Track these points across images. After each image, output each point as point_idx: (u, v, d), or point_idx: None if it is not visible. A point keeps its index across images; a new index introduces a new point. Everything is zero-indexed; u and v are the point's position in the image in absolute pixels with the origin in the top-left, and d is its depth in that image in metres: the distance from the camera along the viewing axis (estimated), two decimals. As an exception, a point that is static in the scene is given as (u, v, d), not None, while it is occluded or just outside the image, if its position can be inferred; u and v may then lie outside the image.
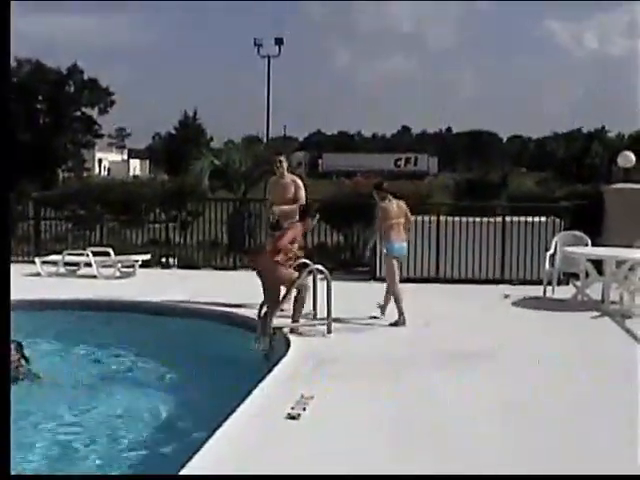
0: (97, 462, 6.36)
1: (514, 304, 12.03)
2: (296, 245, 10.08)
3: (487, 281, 13.98)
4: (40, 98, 63.30)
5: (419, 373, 7.87)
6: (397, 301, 10.42)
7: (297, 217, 10.47)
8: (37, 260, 15.01)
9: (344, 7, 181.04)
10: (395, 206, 10.73)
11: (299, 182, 11.53)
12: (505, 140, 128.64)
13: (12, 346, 8.28)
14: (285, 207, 11.21)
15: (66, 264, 14.87)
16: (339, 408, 6.70)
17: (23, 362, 8.67)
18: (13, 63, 62.03)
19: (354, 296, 12.07)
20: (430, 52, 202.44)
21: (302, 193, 11.40)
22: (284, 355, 8.41)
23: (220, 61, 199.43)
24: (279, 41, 50.35)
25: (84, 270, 14.80)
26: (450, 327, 10.28)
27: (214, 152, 24.37)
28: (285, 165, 11.54)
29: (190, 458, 5.27)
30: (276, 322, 9.30)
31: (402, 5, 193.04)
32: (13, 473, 4.86)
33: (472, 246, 14.19)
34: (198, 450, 5.43)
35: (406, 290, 10.79)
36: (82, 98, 64.44)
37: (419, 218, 13.40)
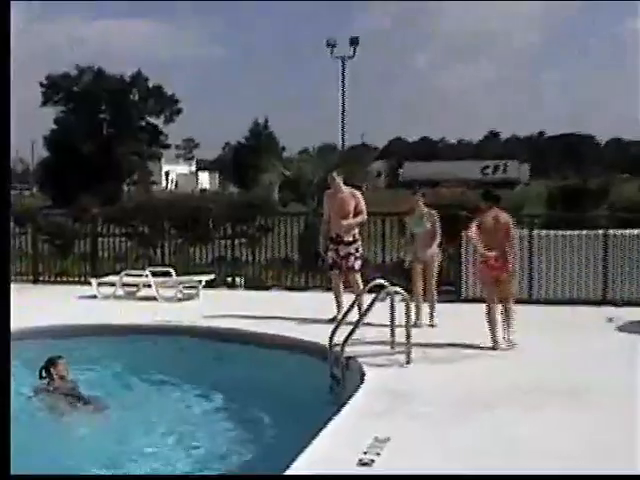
0: None
1: (619, 329, 11.41)
2: None
3: (587, 302, 13.35)
4: (102, 107, 64.29)
5: (506, 412, 7.40)
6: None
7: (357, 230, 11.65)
8: (93, 281, 14.98)
9: (421, 7, 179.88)
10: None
11: (359, 195, 12.29)
12: (603, 144, 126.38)
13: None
14: (350, 221, 11.96)
15: (124, 285, 14.79)
16: (418, 453, 6.30)
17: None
18: (74, 71, 63.33)
19: (436, 320, 11.74)
20: (517, 52, 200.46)
21: (363, 206, 12.16)
22: (357, 389, 8.07)
23: (292, 66, 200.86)
24: (354, 41, 49.98)
25: (143, 292, 14.70)
26: (542, 357, 9.71)
27: (285, 163, 24.20)
28: (339, 180, 12.19)
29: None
30: (349, 351, 8.97)
31: (486, 5, 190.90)
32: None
33: (570, 262, 13.64)
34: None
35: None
36: (147, 106, 65.30)
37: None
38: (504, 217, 10.30)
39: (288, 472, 5.69)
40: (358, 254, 12.17)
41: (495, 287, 10.31)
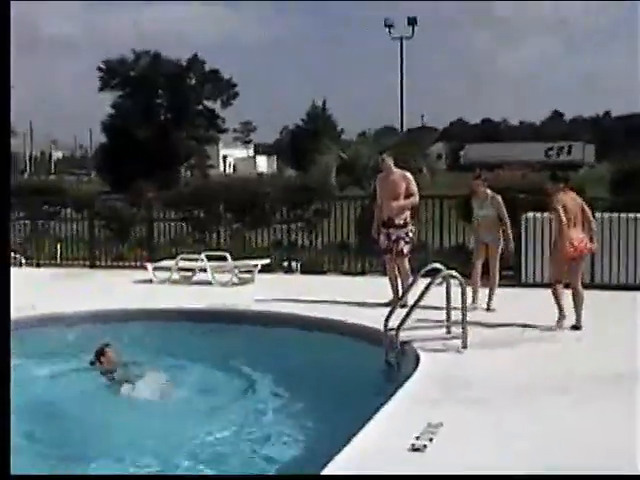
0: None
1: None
2: None
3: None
4: (159, 92, 64.79)
5: (564, 400, 7.30)
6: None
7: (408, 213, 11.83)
8: (149, 266, 15.17)
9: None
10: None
11: (410, 177, 12.28)
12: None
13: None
14: (401, 202, 11.95)
15: (180, 269, 14.95)
16: (470, 440, 6.30)
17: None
18: (131, 55, 63.87)
19: (494, 304, 11.71)
20: (581, 32, 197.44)
21: (414, 187, 12.16)
22: (412, 374, 8.08)
23: (350, 47, 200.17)
24: (412, 21, 49.70)
25: (199, 276, 14.84)
26: (605, 344, 9.61)
27: (342, 146, 24.22)
28: (389, 162, 12.23)
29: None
30: (404, 335, 8.98)
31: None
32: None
33: (633, 247, 13.44)
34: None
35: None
36: (204, 91, 65.65)
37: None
38: (578, 197, 10.45)
39: (340, 456, 5.74)
40: (408, 238, 12.15)
41: (569, 268, 10.38)
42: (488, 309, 11.56)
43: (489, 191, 11.89)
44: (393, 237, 12.05)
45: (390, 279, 12.25)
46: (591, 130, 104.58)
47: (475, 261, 11.87)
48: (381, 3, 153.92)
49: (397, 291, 11.99)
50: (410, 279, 11.18)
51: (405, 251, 12.09)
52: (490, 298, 11.69)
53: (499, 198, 11.80)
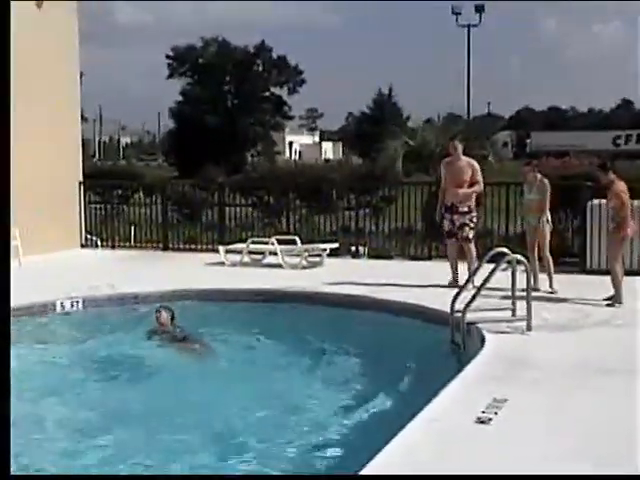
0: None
1: None
2: None
3: None
4: (227, 79, 65.38)
5: (625, 384, 7.44)
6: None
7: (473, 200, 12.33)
8: (221, 249, 15.57)
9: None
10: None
11: (476, 165, 12.64)
12: None
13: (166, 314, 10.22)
14: (466, 190, 12.31)
15: (250, 253, 15.34)
16: (533, 415, 6.58)
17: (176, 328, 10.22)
18: (199, 43, 64.51)
19: (560, 289, 11.90)
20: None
21: (479, 176, 12.52)
22: (477, 354, 8.36)
23: (417, 34, 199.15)
24: (480, 8, 49.51)
25: (269, 259, 15.23)
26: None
27: (408, 132, 24.40)
28: (460, 148, 12.59)
29: (367, 462, 5.37)
30: (470, 317, 9.24)
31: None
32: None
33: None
34: (382, 449, 5.56)
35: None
36: (271, 77, 66.11)
37: (636, 203, 12.90)
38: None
39: (408, 427, 6.07)
40: (472, 224, 12.49)
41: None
42: (551, 292, 11.77)
43: (539, 175, 12.24)
44: (457, 223, 12.40)
45: (451, 263, 12.59)
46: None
47: (529, 244, 12.20)
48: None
49: (457, 274, 12.36)
50: (476, 263, 11.45)
51: (470, 236, 12.43)
52: (550, 281, 11.92)
53: (546, 181, 12.13)
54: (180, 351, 9.68)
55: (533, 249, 12.09)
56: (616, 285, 10.91)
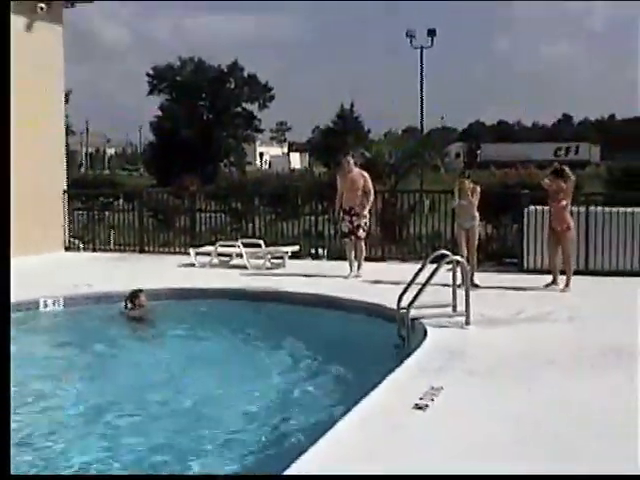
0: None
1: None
2: None
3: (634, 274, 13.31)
4: (203, 95, 65.41)
5: (555, 372, 7.52)
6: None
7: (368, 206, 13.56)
8: (192, 251, 15.57)
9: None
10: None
11: (366, 175, 13.83)
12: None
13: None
14: (360, 195, 13.51)
15: (219, 255, 15.34)
16: (467, 402, 6.62)
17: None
18: (177, 62, 64.48)
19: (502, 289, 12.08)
20: (595, 36, 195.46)
21: (370, 185, 13.66)
22: (419, 346, 8.43)
23: (376, 52, 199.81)
24: (431, 32, 49.51)
25: (236, 261, 15.23)
26: (595, 323, 9.79)
27: (366, 145, 24.53)
28: (352, 161, 13.92)
29: (315, 442, 5.41)
30: (414, 313, 9.30)
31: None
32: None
33: (624, 237, 13.67)
34: (325, 433, 5.60)
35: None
36: (243, 94, 66.21)
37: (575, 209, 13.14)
38: None
39: (352, 413, 6.11)
40: (366, 226, 13.78)
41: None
42: (475, 286, 11.68)
43: (471, 184, 12.75)
44: (354, 225, 13.61)
45: (349, 259, 13.74)
46: (597, 132, 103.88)
47: (459, 244, 12.65)
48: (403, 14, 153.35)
49: (353, 269, 13.58)
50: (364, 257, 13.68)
51: (363, 236, 13.73)
52: (472, 275, 11.85)
53: (478, 189, 12.69)
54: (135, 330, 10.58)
55: (463, 249, 12.39)
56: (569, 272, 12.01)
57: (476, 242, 12.76)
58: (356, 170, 13.85)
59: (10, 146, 6.17)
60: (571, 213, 12.47)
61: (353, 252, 13.73)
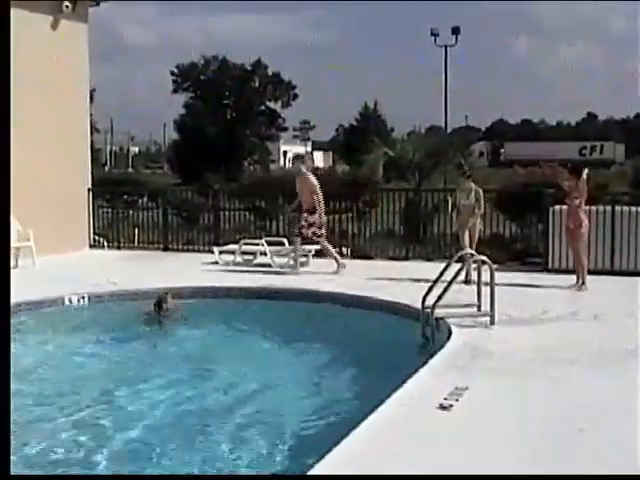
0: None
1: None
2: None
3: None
4: (227, 94, 65.55)
5: (580, 372, 7.48)
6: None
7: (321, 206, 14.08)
8: (215, 249, 15.59)
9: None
10: None
11: (311, 178, 14.32)
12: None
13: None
14: (313, 197, 14.12)
15: (242, 253, 15.34)
16: (491, 403, 6.59)
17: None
18: (201, 61, 64.65)
19: (526, 288, 12.03)
20: (614, 35, 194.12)
21: (316, 188, 14.15)
22: (443, 346, 8.39)
23: (400, 51, 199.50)
24: (456, 30, 49.26)
25: (260, 259, 15.23)
26: (620, 324, 9.65)
27: (389, 143, 24.51)
28: (303, 167, 14.64)
29: (339, 442, 5.40)
30: (439, 312, 9.27)
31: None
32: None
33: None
34: (347, 434, 5.57)
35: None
36: (266, 92, 66.28)
37: (593, 208, 13.02)
38: None
39: (376, 414, 6.09)
40: (320, 225, 14.20)
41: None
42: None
43: (473, 185, 12.96)
44: (310, 221, 14.10)
45: (295, 255, 14.31)
46: (622, 131, 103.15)
47: (462, 243, 12.74)
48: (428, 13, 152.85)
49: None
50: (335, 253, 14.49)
51: (317, 234, 14.22)
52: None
53: (480, 191, 12.91)
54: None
55: (466, 247, 12.29)
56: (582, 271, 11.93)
57: (476, 240, 12.93)
58: (309, 174, 14.46)
59: (10, 146, 6.13)
60: (588, 212, 12.36)
61: (298, 245, 14.26)
